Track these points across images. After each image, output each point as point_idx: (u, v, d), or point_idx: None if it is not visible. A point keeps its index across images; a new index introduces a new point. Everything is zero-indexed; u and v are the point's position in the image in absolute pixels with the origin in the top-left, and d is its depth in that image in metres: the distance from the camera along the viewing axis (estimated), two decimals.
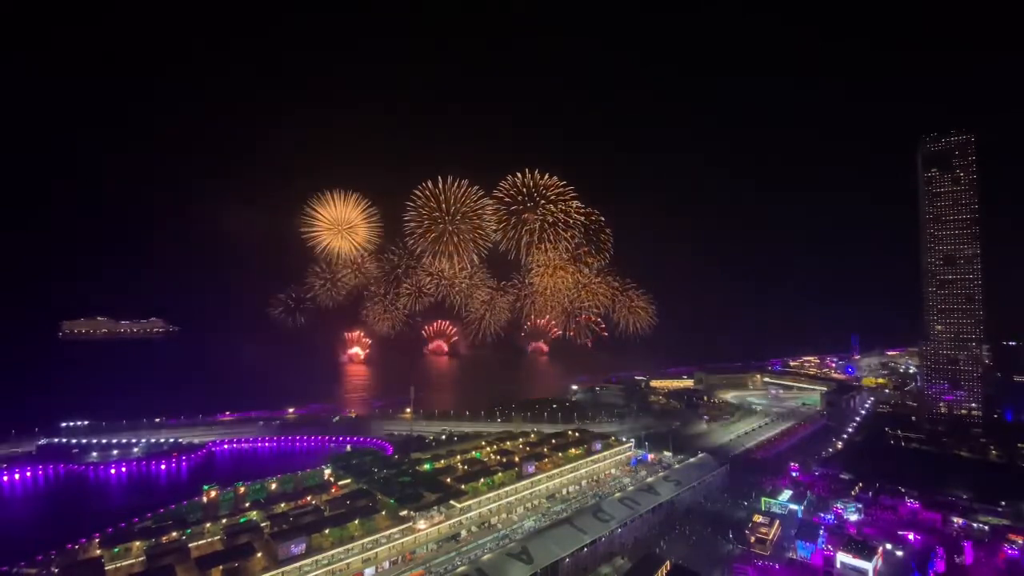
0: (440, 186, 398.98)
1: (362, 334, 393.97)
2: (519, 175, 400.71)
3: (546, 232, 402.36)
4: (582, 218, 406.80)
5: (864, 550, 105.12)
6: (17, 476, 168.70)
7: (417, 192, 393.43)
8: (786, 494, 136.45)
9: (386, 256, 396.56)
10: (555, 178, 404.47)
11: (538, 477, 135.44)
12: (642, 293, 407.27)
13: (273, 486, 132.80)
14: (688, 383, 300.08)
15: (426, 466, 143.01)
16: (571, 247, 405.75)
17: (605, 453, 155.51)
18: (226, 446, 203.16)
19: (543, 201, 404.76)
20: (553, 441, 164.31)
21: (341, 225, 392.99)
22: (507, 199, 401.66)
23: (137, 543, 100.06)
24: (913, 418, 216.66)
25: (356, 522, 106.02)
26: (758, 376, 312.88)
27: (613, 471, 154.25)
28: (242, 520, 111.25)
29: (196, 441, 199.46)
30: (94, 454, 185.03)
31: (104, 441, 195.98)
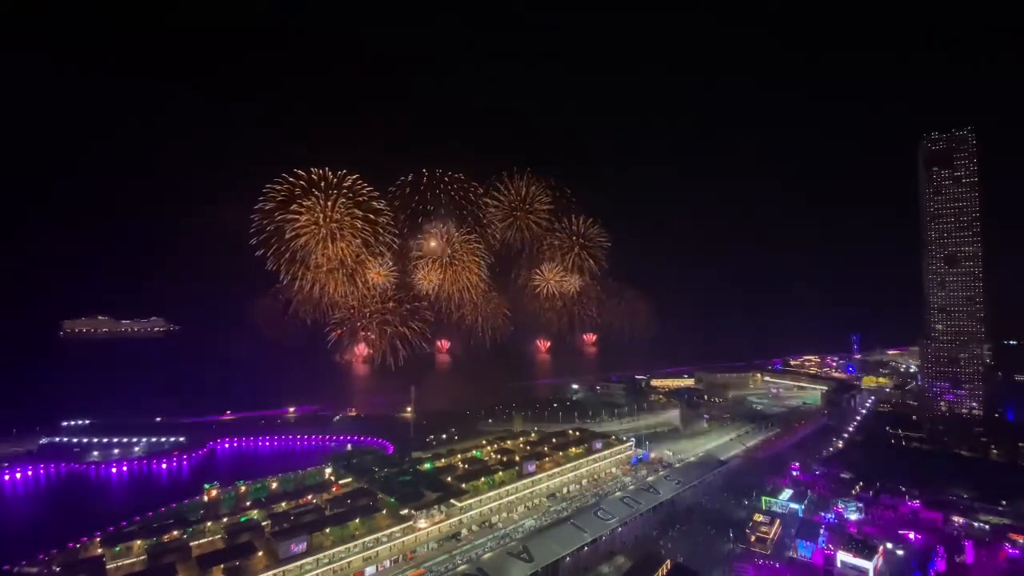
0: (426, 180, 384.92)
1: (364, 331, 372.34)
2: (507, 175, 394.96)
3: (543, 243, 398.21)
4: (581, 225, 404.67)
5: (865, 549, 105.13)
6: (18, 475, 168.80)
7: (394, 188, 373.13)
8: (787, 493, 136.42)
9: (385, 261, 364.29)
10: (549, 179, 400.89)
11: (538, 476, 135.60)
12: (640, 294, 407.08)
13: (274, 485, 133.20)
14: (689, 382, 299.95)
15: (427, 465, 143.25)
16: (568, 256, 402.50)
17: (605, 452, 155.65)
18: (227, 445, 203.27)
19: (538, 207, 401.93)
20: (553, 440, 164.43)
21: (330, 219, 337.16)
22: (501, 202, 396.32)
23: (138, 542, 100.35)
24: (914, 417, 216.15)
25: (357, 521, 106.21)
26: (759, 375, 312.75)
27: (614, 470, 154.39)
28: (243, 519, 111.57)
29: (197, 440, 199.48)
30: (95, 453, 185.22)
31: (105, 440, 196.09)
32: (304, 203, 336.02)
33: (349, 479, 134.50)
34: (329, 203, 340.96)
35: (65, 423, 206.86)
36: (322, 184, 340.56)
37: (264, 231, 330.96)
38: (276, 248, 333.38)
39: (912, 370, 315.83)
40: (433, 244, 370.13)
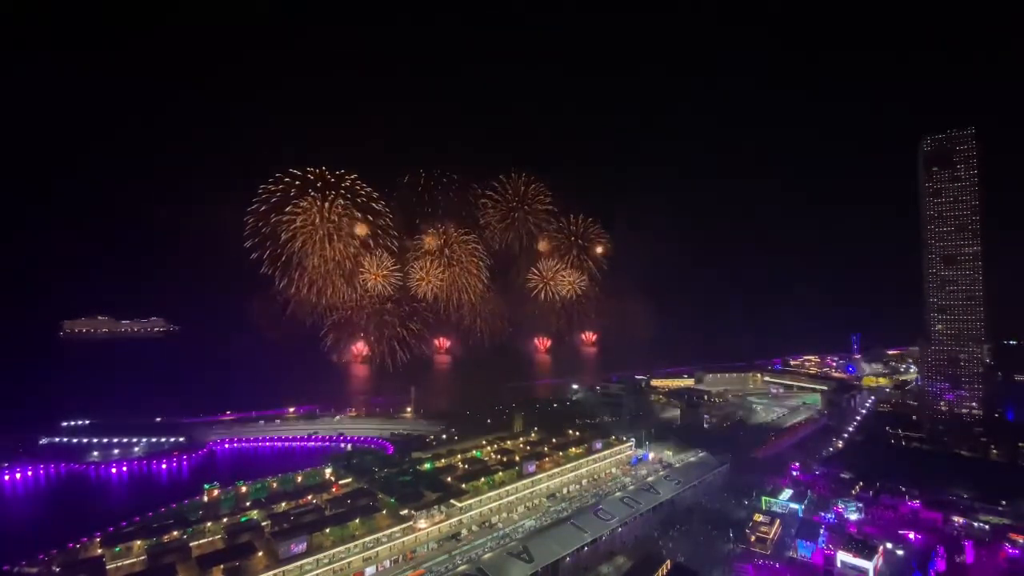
0: (425, 180, 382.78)
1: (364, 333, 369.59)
2: (505, 176, 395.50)
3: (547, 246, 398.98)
4: (580, 225, 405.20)
5: (865, 549, 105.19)
6: (18, 475, 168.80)
7: (391, 190, 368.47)
8: (787, 493, 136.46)
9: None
10: (547, 179, 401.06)
11: (538, 476, 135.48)
12: (639, 294, 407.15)
13: (274, 485, 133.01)
14: (688, 382, 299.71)
15: (427, 465, 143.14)
16: (566, 256, 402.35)
17: (605, 452, 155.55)
18: (227, 445, 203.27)
19: (538, 206, 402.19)
20: (553, 440, 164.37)
21: (327, 219, 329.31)
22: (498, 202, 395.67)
23: (138, 542, 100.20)
24: (914, 417, 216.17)
25: (357, 521, 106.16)
26: (758, 375, 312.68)
27: (613, 470, 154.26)
28: (243, 519, 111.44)
29: (197, 441, 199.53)
30: (95, 453, 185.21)
31: (105, 440, 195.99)
32: (300, 204, 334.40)
33: (349, 479, 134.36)
34: (326, 203, 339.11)
35: (65, 423, 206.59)
36: (318, 184, 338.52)
37: (260, 232, 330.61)
38: (271, 251, 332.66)
39: (912, 370, 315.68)
40: (431, 244, 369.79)
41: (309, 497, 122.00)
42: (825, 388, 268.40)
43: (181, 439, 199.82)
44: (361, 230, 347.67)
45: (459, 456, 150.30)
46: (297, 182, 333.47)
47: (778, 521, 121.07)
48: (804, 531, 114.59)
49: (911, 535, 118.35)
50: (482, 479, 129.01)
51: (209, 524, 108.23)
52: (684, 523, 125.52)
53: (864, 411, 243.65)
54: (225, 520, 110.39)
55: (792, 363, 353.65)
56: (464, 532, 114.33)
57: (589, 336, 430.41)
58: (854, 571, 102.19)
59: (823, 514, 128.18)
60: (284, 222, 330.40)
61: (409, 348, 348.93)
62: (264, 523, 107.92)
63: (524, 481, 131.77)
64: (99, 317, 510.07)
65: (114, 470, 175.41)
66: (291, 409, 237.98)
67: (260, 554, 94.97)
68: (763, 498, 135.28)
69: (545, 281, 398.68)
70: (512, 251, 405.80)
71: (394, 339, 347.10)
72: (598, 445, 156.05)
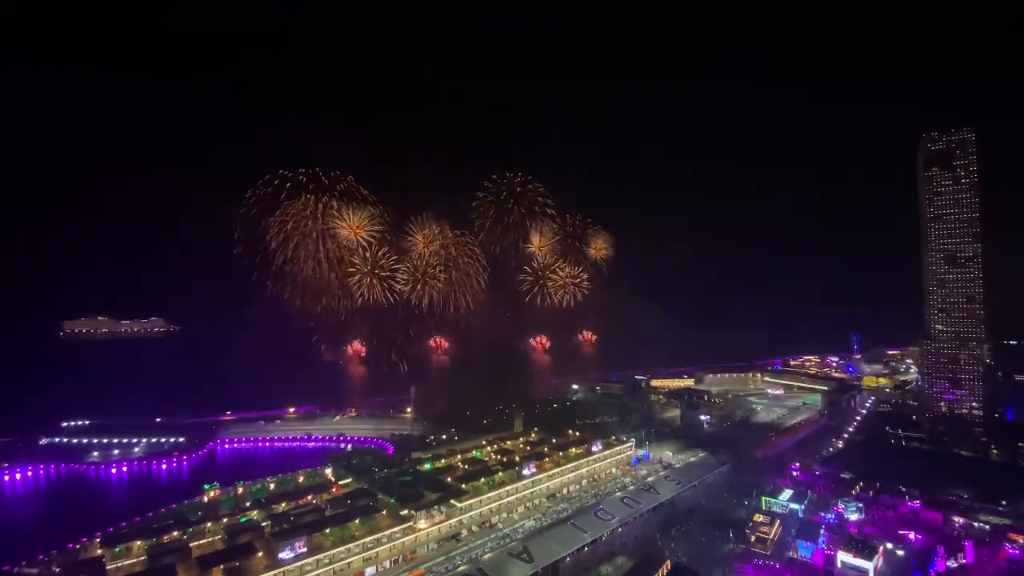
0: (423, 181, 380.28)
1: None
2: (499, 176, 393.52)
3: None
4: (578, 226, 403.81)
5: (865, 549, 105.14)
6: (18, 476, 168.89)
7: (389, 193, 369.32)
8: (787, 493, 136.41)
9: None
10: (540, 187, 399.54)
11: (538, 476, 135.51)
12: (639, 294, 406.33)
13: (273, 486, 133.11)
14: (688, 382, 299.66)
15: (427, 465, 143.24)
16: (565, 256, 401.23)
17: (605, 452, 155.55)
18: (227, 446, 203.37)
19: (534, 206, 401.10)
20: (553, 440, 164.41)
21: (321, 220, 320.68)
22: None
23: (138, 542, 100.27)
24: (914, 417, 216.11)
25: (357, 521, 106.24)
26: (759, 375, 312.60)
27: (614, 470, 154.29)
28: (243, 519, 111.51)
29: (197, 441, 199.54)
30: (95, 454, 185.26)
31: (105, 441, 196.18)
32: (293, 206, 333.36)
33: (349, 479, 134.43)
34: (320, 205, 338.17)
35: (65, 423, 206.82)
36: (311, 186, 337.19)
37: (255, 233, 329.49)
38: (262, 256, 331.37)
39: (912, 370, 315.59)
40: (428, 246, 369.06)
41: (309, 497, 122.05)
42: (825, 388, 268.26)
43: (181, 439, 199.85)
44: (357, 233, 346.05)
45: (459, 456, 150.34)
46: (288, 184, 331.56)
47: (778, 521, 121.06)
48: (804, 531, 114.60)
49: (911, 535, 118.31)
50: (482, 479, 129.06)
51: (209, 524, 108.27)
52: (684, 523, 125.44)
53: (864, 411, 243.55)
54: (225, 520, 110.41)
55: (792, 363, 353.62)
56: (464, 532, 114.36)
57: (588, 336, 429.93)
58: (854, 571, 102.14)
59: (823, 514, 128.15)
60: (276, 223, 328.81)
61: (407, 355, 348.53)
62: (264, 523, 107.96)
63: (524, 481, 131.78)
64: (99, 317, 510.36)
65: (114, 470, 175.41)
66: (291, 409, 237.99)
67: (260, 554, 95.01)
68: (763, 498, 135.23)
69: (541, 282, 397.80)
70: (508, 252, 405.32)
71: (391, 345, 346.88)
72: (598, 445, 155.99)
